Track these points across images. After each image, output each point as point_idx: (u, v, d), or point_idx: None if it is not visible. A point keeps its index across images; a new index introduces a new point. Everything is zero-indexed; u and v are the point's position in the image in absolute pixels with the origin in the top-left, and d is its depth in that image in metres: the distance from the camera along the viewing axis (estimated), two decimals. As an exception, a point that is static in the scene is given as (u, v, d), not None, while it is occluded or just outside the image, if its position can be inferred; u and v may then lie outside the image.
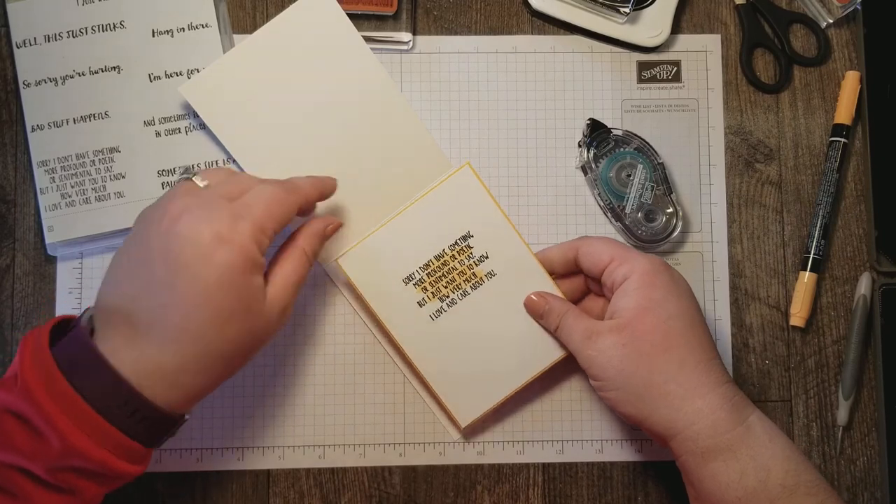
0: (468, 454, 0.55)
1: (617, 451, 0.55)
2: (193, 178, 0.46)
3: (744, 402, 0.47)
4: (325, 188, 0.51)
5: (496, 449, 0.55)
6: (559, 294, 0.53)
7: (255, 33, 0.55)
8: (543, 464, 0.55)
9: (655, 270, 0.49)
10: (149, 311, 0.42)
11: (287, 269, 0.46)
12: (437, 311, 0.54)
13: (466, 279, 0.54)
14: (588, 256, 0.51)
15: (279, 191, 0.46)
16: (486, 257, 0.54)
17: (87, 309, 0.45)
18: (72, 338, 0.42)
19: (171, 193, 0.44)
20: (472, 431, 0.55)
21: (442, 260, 0.54)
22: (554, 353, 0.53)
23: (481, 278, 0.54)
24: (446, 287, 0.54)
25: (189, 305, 0.41)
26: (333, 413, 0.55)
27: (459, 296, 0.54)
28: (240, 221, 0.43)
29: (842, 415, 0.55)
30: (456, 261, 0.54)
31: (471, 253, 0.54)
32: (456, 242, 0.54)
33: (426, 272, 0.54)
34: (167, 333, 0.41)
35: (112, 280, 0.44)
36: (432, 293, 0.54)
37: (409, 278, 0.54)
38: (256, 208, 0.44)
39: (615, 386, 0.47)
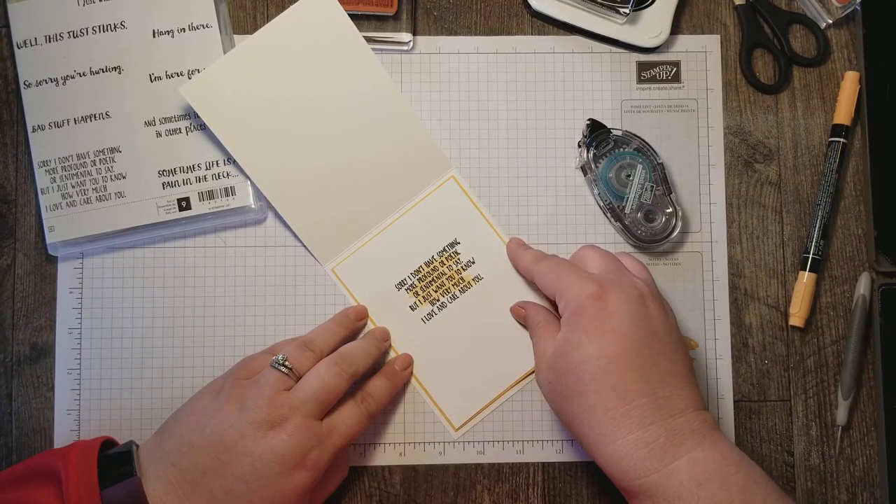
0: (468, 454, 0.55)
1: (616, 451, 0.56)
2: (288, 374, 0.49)
3: (671, 445, 0.44)
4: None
5: (496, 448, 0.55)
6: (541, 300, 0.55)
7: (256, 33, 0.55)
8: (543, 463, 0.55)
9: (580, 308, 0.47)
10: (212, 490, 0.46)
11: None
12: (429, 314, 0.56)
13: (455, 283, 0.56)
14: (542, 289, 0.52)
15: (365, 419, 0.51)
16: (473, 262, 0.56)
17: (132, 441, 0.49)
18: (127, 488, 0.46)
19: (267, 387, 0.48)
20: (470, 431, 0.55)
21: (431, 266, 0.56)
22: None
23: (469, 282, 0.56)
24: (436, 291, 0.56)
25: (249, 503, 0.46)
26: (334, 413, 0.55)
27: (449, 299, 0.56)
28: (324, 451, 0.48)
29: (841, 415, 0.55)
30: (445, 266, 0.56)
31: (458, 259, 0.56)
32: (444, 249, 0.56)
33: (417, 277, 0.56)
34: None
35: (187, 441, 0.47)
36: (423, 297, 0.56)
37: (401, 284, 0.56)
38: (340, 437, 0.49)
39: (556, 415, 0.50)
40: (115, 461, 0.47)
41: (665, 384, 0.46)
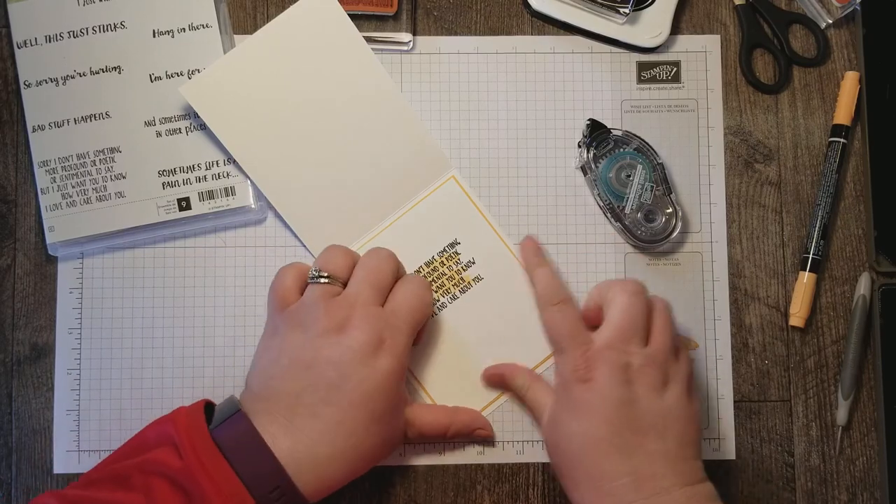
0: (468, 454, 0.55)
1: (616, 451, 0.56)
2: (330, 281, 0.49)
3: None
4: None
5: (496, 449, 0.55)
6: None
7: (256, 33, 0.55)
8: (543, 463, 0.55)
9: (566, 385, 0.49)
10: (311, 406, 0.46)
11: (431, 422, 0.52)
12: None
13: (455, 284, 0.56)
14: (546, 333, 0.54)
15: (419, 287, 0.51)
16: (473, 262, 0.56)
17: (231, 397, 0.48)
18: (235, 422, 0.45)
19: (319, 302, 0.48)
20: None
21: (432, 266, 0.56)
22: (541, 353, 0.55)
23: (469, 283, 0.56)
24: (437, 291, 0.56)
25: (350, 405, 0.46)
26: (333, 413, 0.55)
27: (449, 300, 0.55)
28: (396, 333, 0.48)
29: (841, 415, 0.55)
30: (445, 266, 0.56)
31: (458, 259, 0.56)
32: (444, 249, 0.56)
33: None
34: (326, 427, 0.46)
35: (269, 376, 0.48)
36: None
37: None
38: (405, 311, 0.49)
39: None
40: (220, 408, 0.47)
41: (650, 463, 0.46)
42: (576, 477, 0.47)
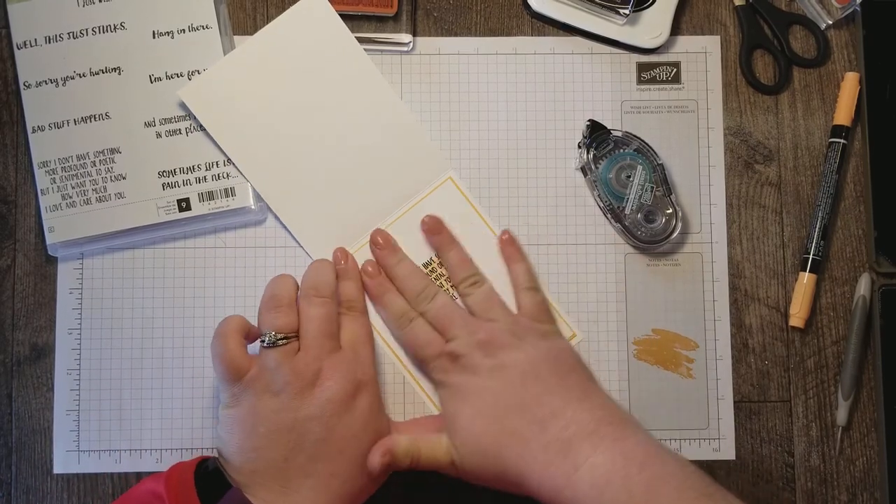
0: (468, 454, 0.55)
1: (616, 452, 0.55)
2: (282, 342, 0.48)
3: (569, 457, 0.45)
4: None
5: (496, 449, 0.55)
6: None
7: (253, 37, 0.55)
8: (543, 464, 0.55)
9: (442, 385, 0.52)
10: (302, 466, 0.46)
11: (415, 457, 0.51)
12: None
13: (453, 285, 0.55)
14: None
15: (363, 319, 0.53)
16: None
17: (214, 458, 0.48)
18: (230, 499, 0.45)
19: (282, 364, 0.47)
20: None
21: (430, 267, 0.56)
22: None
23: None
24: None
25: (339, 452, 0.47)
26: (333, 413, 0.55)
27: None
28: (365, 367, 0.50)
29: (841, 415, 0.55)
30: (442, 268, 0.56)
31: None
32: None
33: None
34: (320, 482, 0.47)
35: (249, 448, 0.47)
36: None
37: None
38: (362, 345, 0.51)
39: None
40: (209, 479, 0.46)
41: (542, 404, 0.48)
42: (505, 457, 0.47)
